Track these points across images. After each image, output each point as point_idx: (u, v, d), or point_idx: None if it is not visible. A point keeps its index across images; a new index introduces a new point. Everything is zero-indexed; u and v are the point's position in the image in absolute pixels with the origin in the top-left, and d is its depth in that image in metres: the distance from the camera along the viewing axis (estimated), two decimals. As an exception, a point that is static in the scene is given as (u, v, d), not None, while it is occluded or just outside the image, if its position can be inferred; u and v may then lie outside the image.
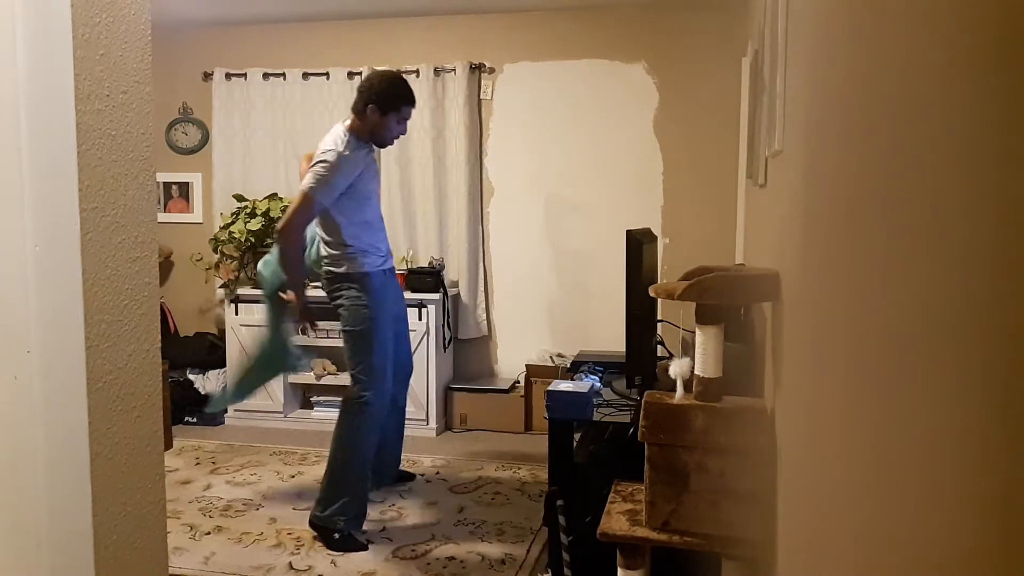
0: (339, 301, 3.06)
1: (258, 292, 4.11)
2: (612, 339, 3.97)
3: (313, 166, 2.92)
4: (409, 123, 4.64)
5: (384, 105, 2.97)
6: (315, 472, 3.78)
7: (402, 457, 3.59)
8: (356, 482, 3.02)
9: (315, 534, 3.02)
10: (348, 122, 3.03)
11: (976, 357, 0.46)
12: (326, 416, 4.54)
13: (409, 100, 3.05)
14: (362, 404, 3.02)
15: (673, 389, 1.71)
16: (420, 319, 4.42)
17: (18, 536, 1.43)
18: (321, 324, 4.58)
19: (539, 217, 4.70)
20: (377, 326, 3.04)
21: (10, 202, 1.37)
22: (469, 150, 4.67)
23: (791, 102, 1.48)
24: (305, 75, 4.81)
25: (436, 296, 4.43)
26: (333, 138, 2.97)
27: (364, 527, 3.07)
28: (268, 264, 3.29)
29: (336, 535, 2.96)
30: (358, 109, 3.01)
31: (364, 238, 3.05)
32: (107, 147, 1.54)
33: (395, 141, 3.15)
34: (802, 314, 1.19)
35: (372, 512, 3.31)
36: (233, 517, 3.26)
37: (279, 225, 2.97)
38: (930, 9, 0.58)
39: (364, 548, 2.95)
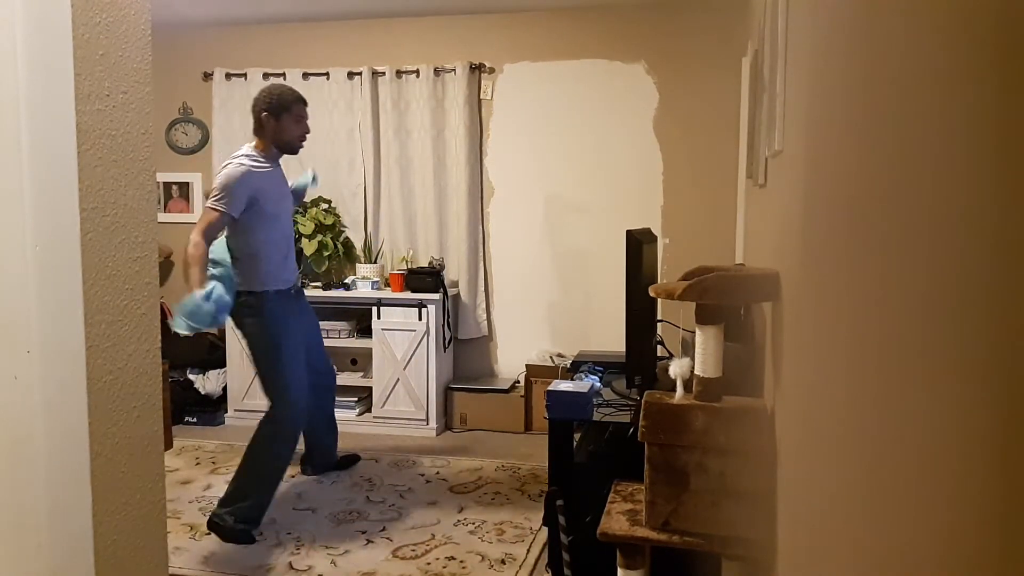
0: (242, 327, 3.13)
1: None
2: (612, 339, 3.97)
3: (216, 184, 3.01)
4: (409, 122, 4.70)
5: (275, 109, 3.08)
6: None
7: (399, 458, 3.56)
8: (261, 490, 3.09)
9: (213, 531, 3.06)
10: (252, 146, 3.13)
11: (975, 357, 0.46)
12: (326, 416, 4.53)
13: (297, 98, 3.15)
14: (273, 422, 3.11)
15: (673, 389, 1.71)
16: (420, 319, 4.42)
17: (18, 536, 1.43)
18: (321, 324, 4.59)
19: (539, 217, 4.70)
20: (281, 347, 3.09)
21: (10, 202, 1.37)
22: (469, 150, 4.67)
23: (791, 102, 1.48)
24: (305, 75, 4.81)
25: (436, 296, 4.43)
26: (234, 156, 3.07)
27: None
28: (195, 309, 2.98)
29: (229, 528, 3.02)
30: (255, 127, 3.13)
31: (265, 257, 3.07)
32: (107, 147, 1.54)
33: (303, 143, 3.20)
34: (802, 314, 1.19)
35: (373, 512, 3.32)
36: (233, 517, 3.26)
37: (189, 248, 2.89)
38: (929, 9, 0.58)
39: (252, 541, 3.02)
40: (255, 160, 3.06)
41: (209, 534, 3.10)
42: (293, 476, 3.74)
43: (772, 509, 1.48)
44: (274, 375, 3.10)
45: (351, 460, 3.87)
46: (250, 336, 3.12)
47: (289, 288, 3.20)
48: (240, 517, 3.04)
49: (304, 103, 3.18)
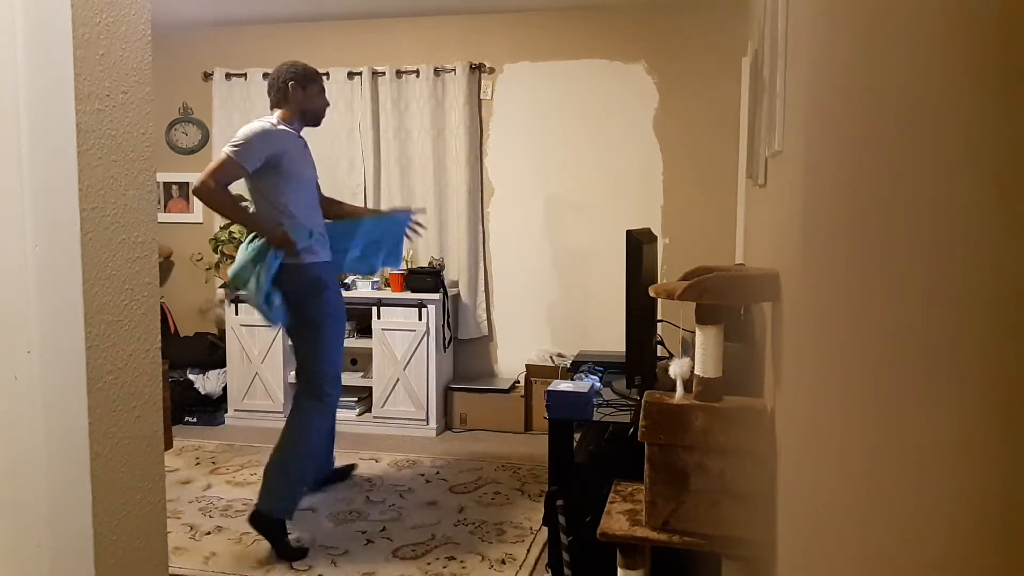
0: (295, 295, 2.98)
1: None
2: (612, 339, 3.97)
3: (237, 134, 2.96)
4: (409, 122, 4.70)
5: (302, 79, 3.08)
6: (315, 472, 3.79)
7: (399, 458, 3.53)
8: (305, 476, 3.06)
9: (257, 531, 2.95)
10: (276, 116, 3.08)
11: (975, 357, 0.46)
12: (326, 416, 4.54)
13: (318, 73, 3.18)
14: (319, 400, 3.06)
15: (673, 389, 1.71)
16: (420, 319, 4.42)
17: (18, 536, 1.43)
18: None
19: (539, 217, 4.70)
20: (334, 320, 3.06)
21: (10, 202, 1.37)
22: (469, 150, 4.67)
23: (791, 102, 1.48)
24: (305, 75, 4.80)
25: (436, 296, 4.43)
26: (257, 120, 3.05)
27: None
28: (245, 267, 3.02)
29: (280, 540, 2.91)
30: (278, 99, 3.09)
31: (302, 218, 3.00)
32: (107, 147, 1.54)
33: (323, 114, 3.21)
34: (802, 314, 1.19)
35: (373, 512, 3.32)
36: (233, 517, 3.26)
37: (194, 185, 2.91)
38: (930, 9, 0.58)
39: (303, 556, 2.89)
40: (277, 123, 3.03)
41: (209, 533, 3.10)
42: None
43: (772, 509, 1.48)
44: (323, 350, 3.03)
45: (348, 470, 3.76)
46: (305, 308, 2.99)
47: (331, 262, 3.14)
48: (278, 507, 2.93)
49: (321, 76, 3.20)
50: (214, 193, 2.85)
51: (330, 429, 3.47)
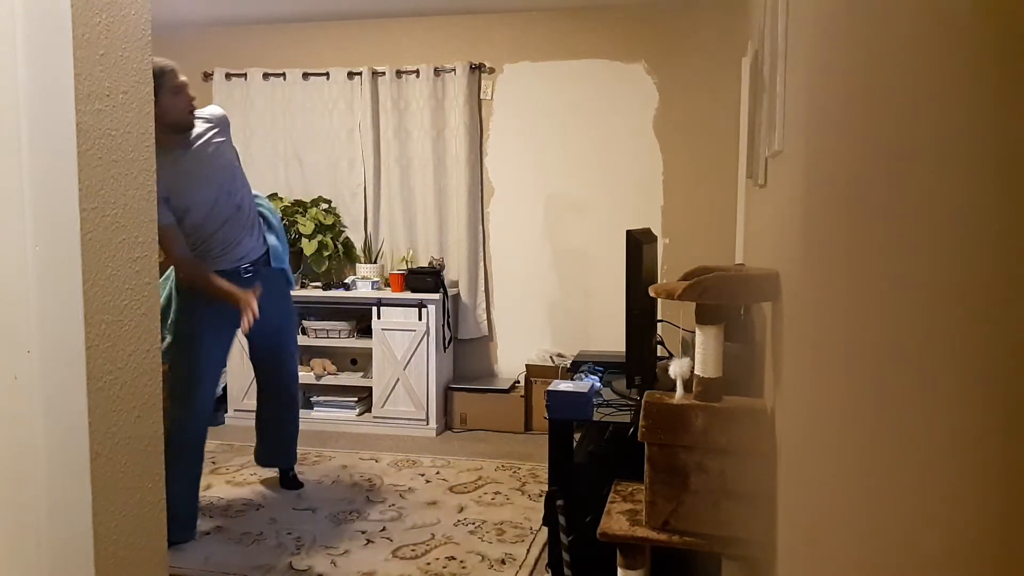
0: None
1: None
2: (612, 339, 3.97)
3: None
4: (409, 123, 4.70)
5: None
6: (316, 472, 3.79)
7: (399, 458, 3.51)
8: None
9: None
10: None
11: (973, 357, 0.46)
12: (327, 416, 4.55)
13: (162, 70, 2.71)
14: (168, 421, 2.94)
15: (673, 389, 1.71)
16: (420, 319, 4.42)
17: (18, 535, 1.43)
18: (321, 324, 4.59)
19: (539, 217, 4.70)
20: (191, 336, 2.97)
21: (10, 202, 1.37)
22: (469, 150, 4.67)
23: (791, 102, 1.48)
24: (305, 75, 4.81)
25: (436, 296, 4.43)
26: None
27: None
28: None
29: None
30: None
31: (190, 232, 2.96)
32: (107, 147, 1.54)
33: (192, 114, 2.90)
34: (802, 314, 1.19)
35: (372, 512, 3.32)
36: (233, 517, 3.26)
37: (182, 270, 3.05)
38: (930, 9, 0.58)
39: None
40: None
41: (209, 533, 3.10)
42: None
43: (772, 509, 1.48)
44: (177, 367, 2.96)
45: (295, 484, 3.61)
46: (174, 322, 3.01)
47: (227, 269, 3.07)
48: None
49: (173, 70, 2.78)
50: (185, 265, 3.00)
51: (279, 423, 3.50)
